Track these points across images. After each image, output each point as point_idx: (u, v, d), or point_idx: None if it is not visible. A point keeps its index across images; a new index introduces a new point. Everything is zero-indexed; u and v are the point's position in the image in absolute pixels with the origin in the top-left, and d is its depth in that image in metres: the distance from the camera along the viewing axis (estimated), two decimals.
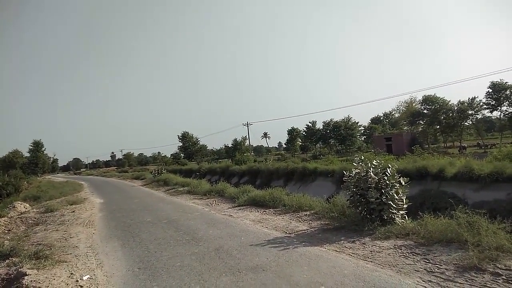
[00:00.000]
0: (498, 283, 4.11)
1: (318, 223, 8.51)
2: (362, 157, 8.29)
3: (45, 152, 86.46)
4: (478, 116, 59.45)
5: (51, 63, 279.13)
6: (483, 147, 47.82)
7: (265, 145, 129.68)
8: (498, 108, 56.35)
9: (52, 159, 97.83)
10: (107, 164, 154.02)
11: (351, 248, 6.23)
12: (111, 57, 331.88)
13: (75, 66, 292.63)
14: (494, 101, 55.73)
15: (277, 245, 6.69)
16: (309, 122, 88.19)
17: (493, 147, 41.71)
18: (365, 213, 7.38)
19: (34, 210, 15.54)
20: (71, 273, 5.88)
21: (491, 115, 61.76)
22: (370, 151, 39.79)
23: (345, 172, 8.12)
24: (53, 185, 31.60)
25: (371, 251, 5.92)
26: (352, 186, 7.66)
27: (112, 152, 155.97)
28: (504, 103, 55.09)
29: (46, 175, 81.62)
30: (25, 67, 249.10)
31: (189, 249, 6.99)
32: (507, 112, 55.63)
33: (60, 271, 5.96)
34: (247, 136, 70.42)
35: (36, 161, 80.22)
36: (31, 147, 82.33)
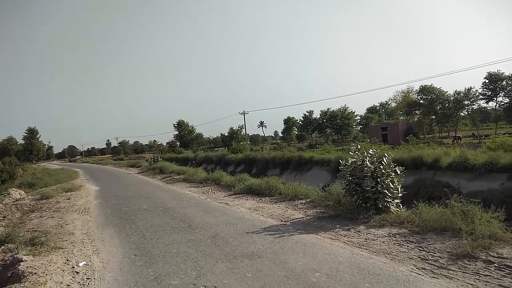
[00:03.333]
0: (490, 271, 4.18)
1: (313, 211, 8.56)
2: (359, 147, 8.32)
3: (40, 139, 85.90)
4: (474, 106, 59.77)
5: (46, 51, 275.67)
6: (478, 138, 48.11)
7: (261, 134, 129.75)
8: (494, 99, 56.58)
9: (47, 146, 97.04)
10: (102, 151, 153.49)
11: (346, 235, 6.28)
12: (106, 45, 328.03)
13: (70, 54, 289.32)
14: (490, 92, 55.92)
15: (273, 233, 6.73)
16: (306, 112, 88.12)
17: (487, 137, 41.98)
18: (361, 202, 7.43)
19: (29, 197, 15.50)
20: (67, 260, 5.90)
21: (487, 105, 62.14)
22: (366, 141, 39.93)
23: (341, 161, 8.15)
24: (48, 172, 31.46)
25: (366, 239, 5.98)
26: (348, 175, 7.70)
27: (108, 140, 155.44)
28: (500, 94, 55.30)
29: (41, 162, 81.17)
30: (20, 56, 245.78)
31: (185, 236, 7.02)
32: (502, 103, 55.89)
33: (56, 257, 5.97)
34: (244, 125, 70.25)
35: (30, 148, 79.70)
36: (26, 134, 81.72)
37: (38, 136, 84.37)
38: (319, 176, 16.59)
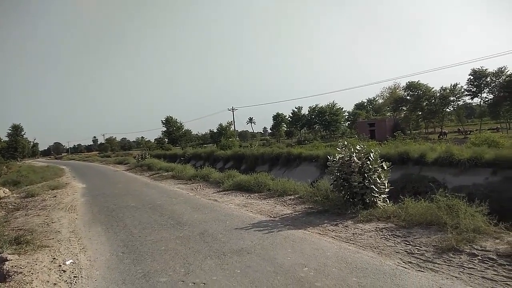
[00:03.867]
0: (474, 263, 4.27)
1: (302, 207, 8.61)
2: (346, 142, 8.38)
3: (24, 136, 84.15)
4: (459, 102, 60.73)
5: (33, 47, 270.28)
6: (463, 133, 48.94)
7: (250, 130, 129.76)
8: (478, 95, 57.58)
9: (32, 143, 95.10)
10: (89, 148, 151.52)
11: (334, 231, 6.34)
12: (94, 42, 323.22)
13: (57, 51, 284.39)
14: (475, 88, 56.87)
15: (261, 229, 6.75)
16: (295, 108, 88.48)
17: (472, 133, 42.75)
18: (348, 197, 7.49)
19: (14, 195, 15.20)
20: (54, 258, 5.81)
21: (472, 101, 63.19)
22: (354, 137, 40.27)
23: (329, 157, 8.19)
24: (33, 170, 30.85)
25: (353, 233, 6.04)
26: (336, 171, 7.75)
27: (94, 137, 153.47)
28: (484, 90, 56.30)
29: (26, 159, 79.71)
30: (6, 52, 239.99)
31: (174, 233, 6.99)
32: (487, 99, 56.92)
33: (42, 256, 5.87)
34: (233, 121, 70.11)
35: (15, 146, 77.86)
36: (10, 131, 79.94)
37: (23, 133, 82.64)
38: (307, 172, 16.70)
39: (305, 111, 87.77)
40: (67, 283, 4.81)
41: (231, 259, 5.14)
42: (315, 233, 6.30)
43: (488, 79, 55.21)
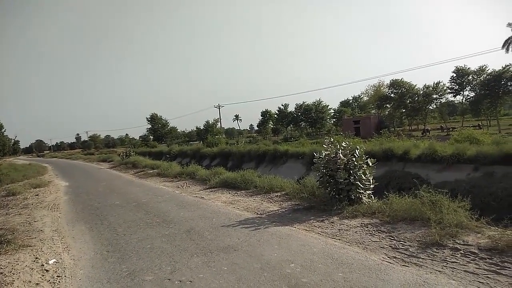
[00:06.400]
0: (456, 257, 4.35)
1: (288, 203, 8.63)
2: (332, 139, 8.43)
3: (5, 133, 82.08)
4: (442, 100, 61.94)
5: (14, 45, 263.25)
6: (445, 130, 49.93)
7: (236, 127, 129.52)
8: (460, 93, 58.79)
9: (13, 141, 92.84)
10: (72, 146, 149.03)
11: (320, 227, 6.38)
12: (77, 40, 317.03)
13: (39, 49, 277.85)
14: (457, 86, 58.05)
15: (248, 226, 6.75)
16: (281, 105, 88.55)
17: (454, 130, 43.64)
18: (334, 193, 7.54)
19: None
20: (36, 258, 5.68)
21: (454, 99, 64.51)
22: (339, 134, 40.60)
23: (315, 154, 8.24)
24: (15, 168, 30.13)
25: (339, 229, 6.09)
26: (322, 167, 7.79)
27: (77, 134, 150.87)
28: (466, 88, 57.53)
29: (7, 157, 77.74)
30: None
31: (160, 231, 6.93)
32: (468, 97, 58.17)
33: (24, 255, 5.74)
34: (219, 118, 69.90)
35: None
36: None
37: (3, 130, 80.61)
38: (294, 169, 16.79)
39: (291, 108, 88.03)
40: (50, 283, 4.71)
41: (217, 257, 5.12)
42: (301, 229, 6.33)
43: (470, 77, 56.42)
